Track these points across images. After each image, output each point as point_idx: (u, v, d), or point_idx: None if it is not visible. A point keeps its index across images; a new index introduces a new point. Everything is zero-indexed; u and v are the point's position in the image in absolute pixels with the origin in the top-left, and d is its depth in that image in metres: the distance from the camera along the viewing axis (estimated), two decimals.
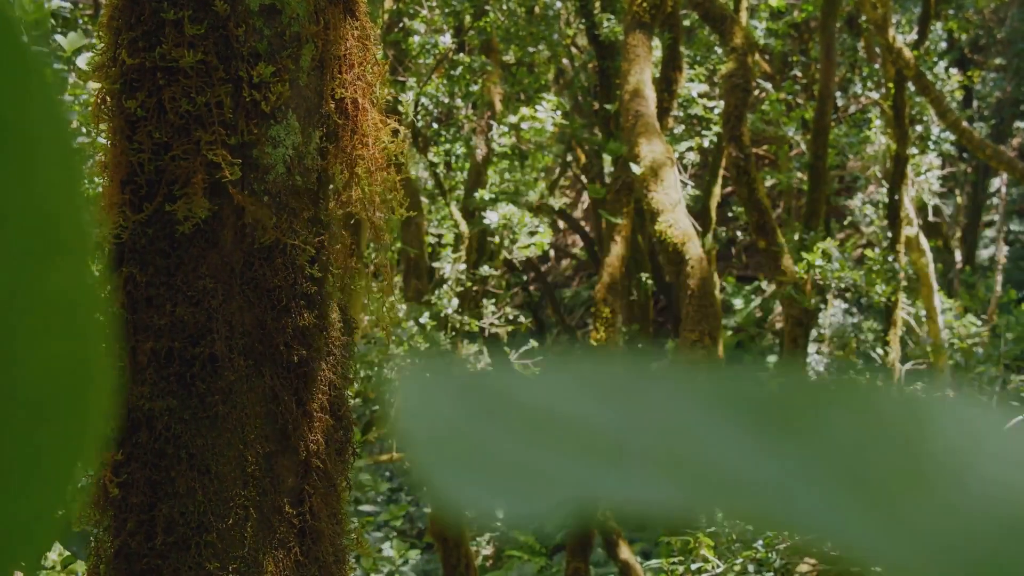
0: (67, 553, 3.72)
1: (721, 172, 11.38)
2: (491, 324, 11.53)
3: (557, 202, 14.40)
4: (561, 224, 19.84)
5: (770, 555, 5.49)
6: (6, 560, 0.30)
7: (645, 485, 0.28)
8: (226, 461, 2.27)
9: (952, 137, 12.99)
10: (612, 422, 0.30)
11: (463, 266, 11.01)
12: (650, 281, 11.56)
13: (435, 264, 11.49)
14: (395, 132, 2.45)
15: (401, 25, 11.77)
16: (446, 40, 10.90)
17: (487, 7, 11.35)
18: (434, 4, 11.43)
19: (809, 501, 0.29)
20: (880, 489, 0.29)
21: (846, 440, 0.30)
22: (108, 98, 2.24)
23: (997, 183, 17.66)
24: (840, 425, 0.30)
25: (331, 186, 2.40)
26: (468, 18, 11.45)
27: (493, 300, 11.71)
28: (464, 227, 11.59)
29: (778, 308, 14.34)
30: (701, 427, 0.30)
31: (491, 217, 10.47)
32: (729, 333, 15.72)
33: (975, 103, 17.37)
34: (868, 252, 9.02)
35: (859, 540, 0.28)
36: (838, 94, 13.64)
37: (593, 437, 0.30)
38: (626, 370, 0.32)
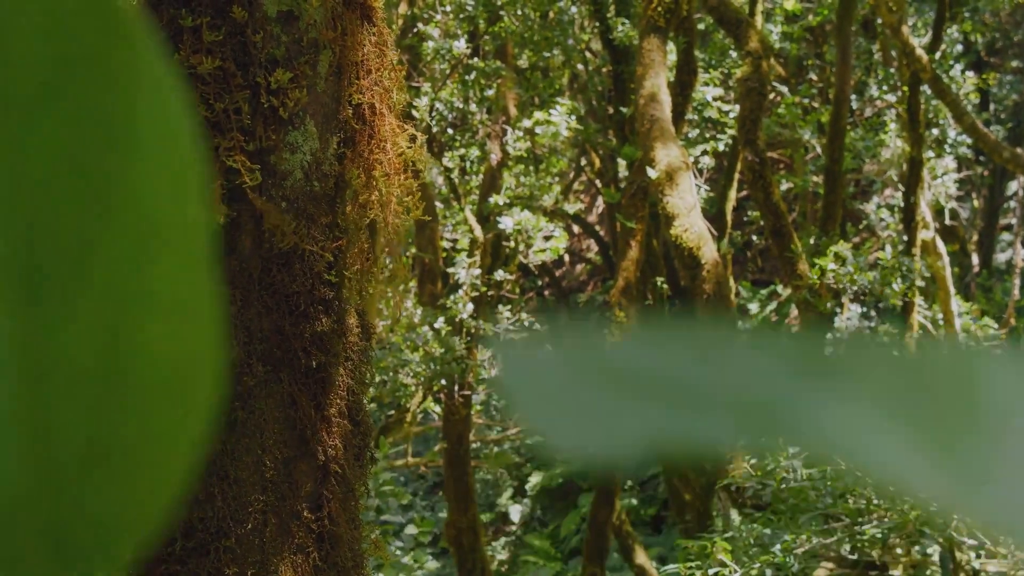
0: None
1: (736, 176, 11.37)
2: (506, 329, 11.53)
3: (572, 207, 14.40)
4: (576, 229, 19.84)
5: (788, 559, 5.47)
6: (117, 548, 0.30)
7: (714, 426, 0.30)
8: (244, 466, 2.28)
9: (968, 140, 12.96)
10: (691, 377, 0.32)
11: (478, 271, 11.01)
12: (665, 285, 11.54)
13: (450, 269, 11.50)
14: (412, 138, 2.46)
15: (416, 30, 11.78)
16: (460, 45, 10.91)
17: (501, 12, 11.36)
18: (448, 9, 11.45)
19: (876, 445, 0.30)
20: (940, 432, 0.31)
21: (905, 388, 0.32)
22: None
23: (1014, 186, 17.60)
24: (900, 376, 0.32)
25: (348, 191, 2.40)
26: (482, 23, 11.45)
27: (508, 305, 11.71)
28: (479, 232, 11.59)
29: (794, 312, 14.31)
30: (772, 380, 0.32)
31: (506, 222, 10.48)
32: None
33: (992, 106, 17.31)
34: (880, 254, 9.00)
35: (914, 477, 0.30)
36: (853, 97, 13.61)
37: (672, 389, 0.32)
38: (705, 335, 0.34)
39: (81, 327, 0.29)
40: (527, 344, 0.34)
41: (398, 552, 11.38)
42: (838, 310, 13.14)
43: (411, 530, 11.96)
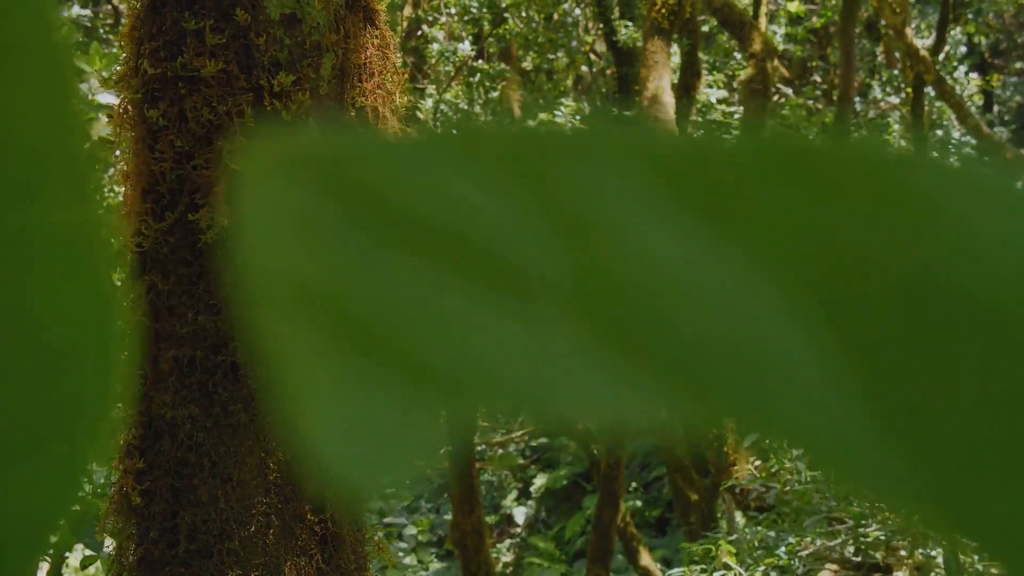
0: (88, 553, 3.72)
1: None
2: None
3: None
4: None
5: (792, 562, 5.47)
6: (24, 534, 0.27)
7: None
8: (248, 468, 2.28)
9: (972, 141, 12.95)
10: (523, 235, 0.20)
11: None
12: None
13: None
14: None
15: (420, 32, 11.79)
16: (465, 47, 10.91)
17: (506, 14, 11.36)
18: (453, 11, 11.45)
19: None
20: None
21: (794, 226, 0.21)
22: (130, 108, 2.25)
23: None
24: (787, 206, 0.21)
25: None
26: (487, 25, 11.46)
27: None
28: None
29: None
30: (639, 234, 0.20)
31: None
32: None
33: (995, 108, 17.30)
34: None
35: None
36: (857, 99, 13.61)
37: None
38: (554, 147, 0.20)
39: None
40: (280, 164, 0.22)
41: (400, 553, 11.40)
42: None
43: (411, 531, 11.98)
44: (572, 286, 0.21)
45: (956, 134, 13.33)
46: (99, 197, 0.26)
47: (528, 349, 0.20)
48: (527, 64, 12.69)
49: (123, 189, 2.29)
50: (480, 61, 11.51)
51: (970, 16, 13.71)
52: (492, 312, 0.21)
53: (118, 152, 2.30)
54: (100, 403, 0.27)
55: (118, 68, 2.28)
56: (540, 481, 16.80)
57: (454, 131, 0.21)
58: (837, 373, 0.21)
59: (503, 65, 11.56)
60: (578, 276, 0.21)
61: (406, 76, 2.52)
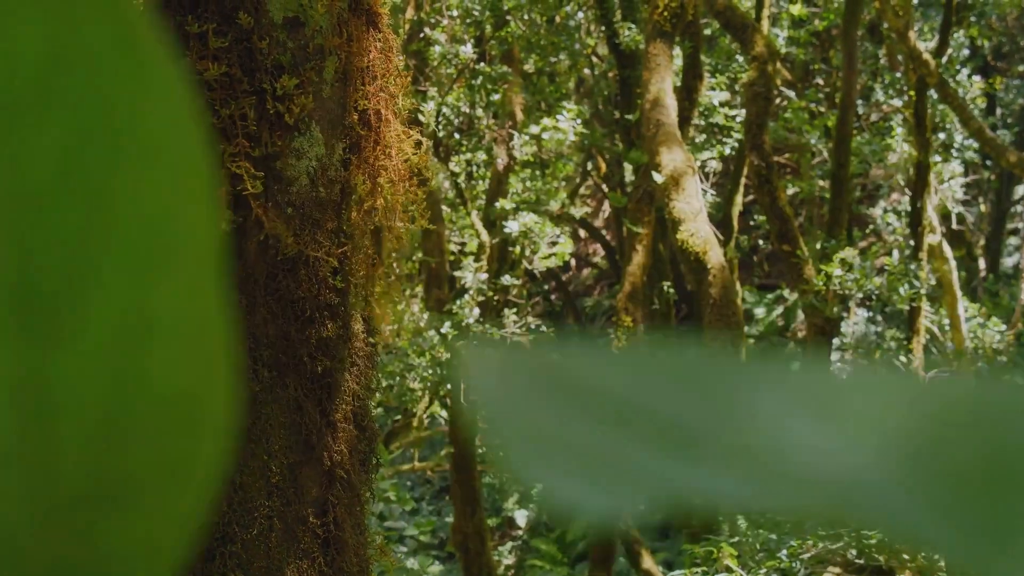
0: None
1: (743, 180, 11.37)
2: (513, 333, 11.53)
3: (578, 211, 14.40)
4: (582, 233, 19.84)
5: (794, 564, 5.47)
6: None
7: (722, 480, 0.27)
8: (250, 471, 2.28)
9: (975, 144, 12.95)
10: (688, 412, 0.29)
11: (484, 275, 11.01)
12: (672, 290, 11.54)
13: (456, 273, 11.50)
14: (418, 144, 2.46)
15: (422, 35, 11.79)
16: (467, 50, 10.91)
17: (508, 17, 11.37)
18: (455, 14, 11.46)
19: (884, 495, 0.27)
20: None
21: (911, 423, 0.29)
22: None
23: (1021, 190, 17.59)
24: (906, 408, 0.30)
25: (354, 197, 2.41)
26: (489, 28, 11.46)
27: (515, 309, 11.71)
28: (485, 236, 11.60)
29: (801, 317, 14.31)
30: (771, 418, 0.29)
31: (512, 226, 10.48)
32: (751, 342, 15.69)
33: (998, 110, 17.30)
34: (887, 260, 9.00)
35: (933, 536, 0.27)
36: (860, 102, 13.60)
37: (669, 428, 0.29)
38: (702, 359, 0.31)
39: (81, 357, 0.27)
40: (505, 360, 0.31)
41: (401, 556, 11.39)
42: (845, 315, 13.15)
43: (412, 531, 11.97)
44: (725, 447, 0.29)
45: (959, 137, 13.32)
46: (221, 285, 0.28)
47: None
48: (529, 67, 12.69)
49: None
50: (482, 64, 11.51)
51: (973, 19, 13.70)
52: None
53: None
54: (215, 457, 0.30)
55: None
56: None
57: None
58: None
59: (505, 68, 11.55)
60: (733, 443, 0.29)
61: (408, 79, 2.52)
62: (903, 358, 12.21)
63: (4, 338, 0.26)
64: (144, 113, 0.26)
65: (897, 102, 13.42)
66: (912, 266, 9.84)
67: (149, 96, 0.27)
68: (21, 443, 0.27)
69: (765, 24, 10.34)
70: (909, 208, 12.33)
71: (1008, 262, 17.68)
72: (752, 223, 15.17)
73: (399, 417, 12.05)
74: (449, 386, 10.45)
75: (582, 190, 18.09)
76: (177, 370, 0.28)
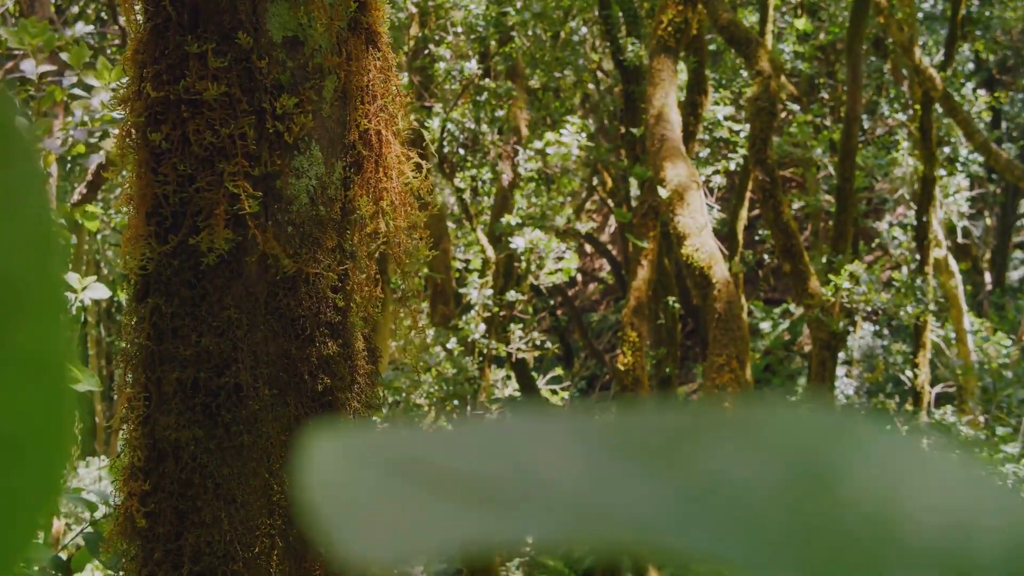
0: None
1: (748, 195, 11.37)
2: (518, 349, 11.53)
3: (584, 226, 14.40)
4: (588, 248, 19.83)
5: None
6: None
7: (535, 524, 0.29)
8: (252, 490, 2.28)
9: (980, 158, 12.94)
10: (512, 471, 0.31)
11: (490, 291, 11.02)
12: (677, 305, 11.54)
13: (462, 289, 11.51)
14: (418, 167, 2.47)
15: (427, 51, 11.82)
16: (472, 66, 10.94)
17: (513, 33, 11.39)
18: (460, 30, 11.48)
19: (695, 533, 0.29)
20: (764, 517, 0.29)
21: (737, 474, 0.30)
22: (133, 131, 2.26)
23: None
24: (733, 458, 0.30)
25: (355, 216, 2.41)
26: (494, 44, 11.49)
27: (520, 325, 11.71)
28: (491, 252, 11.60)
29: (806, 331, 14.29)
30: (595, 470, 0.30)
31: (518, 242, 10.49)
32: (757, 356, 15.67)
33: (1004, 124, 17.29)
34: (895, 274, 8.99)
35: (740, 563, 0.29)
36: (865, 116, 13.61)
37: (491, 485, 0.30)
38: (535, 424, 0.32)
39: None
40: (339, 441, 0.33)
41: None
42: (851, 329, 13.13)
43: None
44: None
45: (964, 151, 13.32)
46: (69, 325, 0.30)
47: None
48: (534, 82, 12.72)
49: (127, 212, 2.29)
50: (487, 80, 11.53)
51: (978, 33, 13.71)
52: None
53: (124, 173, 2.31)
54: (47, 495, 0.30)
55: (121, 91, 2.29)
56: None
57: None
58: None
59: (510, 84, 11.57)
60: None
61: (409, 98, 2.52)
62: (909, 372, 12.19)
63: None
64: None
65: (902, 116, 13.43)
66: (919, 281, 9.83)
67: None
68: None
69: (769, 39, 10.35)
70: (915, 222, 12.32)
71: (1014, 276, 17.65)
72: (757, 237, 15.16)
73: None
74: (455, 401, 10.45)
75: (588, 205, 18.10)
76: (18, 403, 0.30)
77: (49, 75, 4.77)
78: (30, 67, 4.59)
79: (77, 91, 4.67)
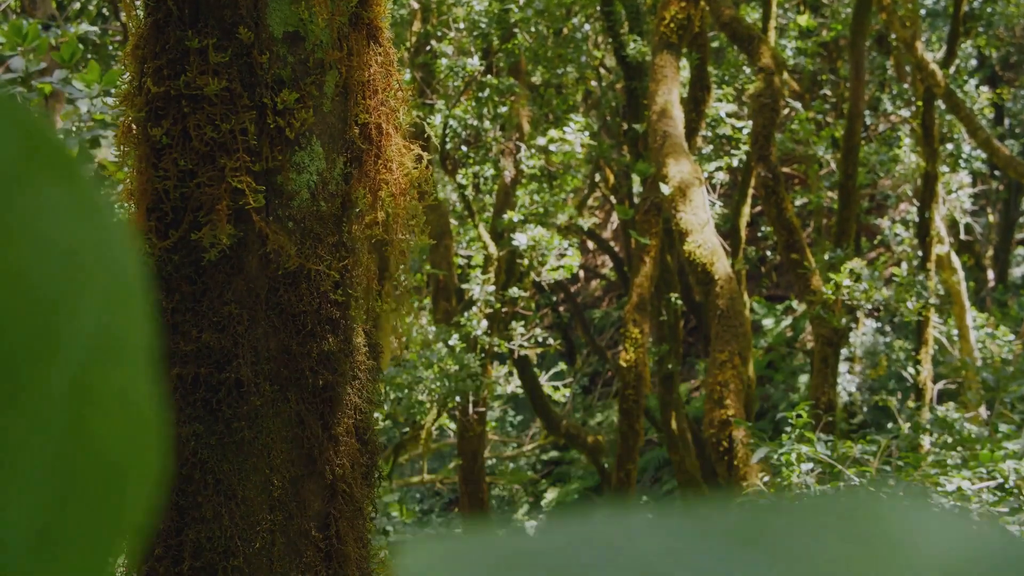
0: None
1: (750, 192, 11.36)
2: (520, 346, 11.52)
3: (586, 223, 14.40)
4: (590, 245, 19.83)
5: None
6: None
7: None
8: (252, 486, 2.28)
9: (983, 155, 12.93)
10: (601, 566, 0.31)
11: (492, 288, 11.01)
12: (680, 301, 11.53)
13: (464, 286, 11.51)
14: (419, 158, 2.46)
15: (429, 47, 11.81)
16: (474, 62, 10.93)
17: (515, 29, 11.38)
18: (462, 27, 11.47)
19: None
20: None
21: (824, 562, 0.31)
22: (134, 126, 2.26)
23: None
24: (819, 547, 0.31)
25: (355, 210, 2.41)
26: (496, 40, 11.48)
27: (522, 321, 11.70)
28: (493, 249, 11.60)
29: (809, 327, 14.28)
30: (679, 560, 0.31)
31: (520, 239, 10.48)
32: (759, 353, 15.67)
33: (1006, 120, 17.27)
34: (895, 270, 8.97)
35: None
36: (868, 112, 13.59)
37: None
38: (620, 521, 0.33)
39: (38, 425, 0.32)
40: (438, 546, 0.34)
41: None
42: (853, 326, 13.12)
43: None
44: None
45: (967, 148, 13.30)
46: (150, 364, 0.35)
47: None
48: (536, 79, 12.71)
49: (127, 207, 2.29)
50: (489, 76, 11.52)
51: (980, 29, 13.69)
52: None
53: (126, 168, 2.31)
54: (138, 510, 0.34)
55: (122, 87, 2.29)
56: (551, 495, 16.79)
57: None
58: None
59: (512, 80, 11.57)
60: None
61: (410, 93, 2.52)
62: (911, 369, 12.19)
63: None
64: (77, 234, 0.33)
65: (905, 113, 13.42)
66: (920, 277, 9.82)
67: (81, 219, 0.33)
68: None
69: (772, 36, 10.34)
70: (917, 219, 12.31)
71: (1016, 272, 17.64)
72: (760, 234, 15.15)
73: (407, 430, 12.04)
74: (458, 398, 10.45)
75: (590, 202, 18.09)
76: (113, 439, 0.34)
77: (39, 73, 4.74)
78: (19, 65, 4.56)
79: (68, 93, 4.65)
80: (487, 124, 11.66)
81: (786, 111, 12.88)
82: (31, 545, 0.32)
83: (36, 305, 0.32)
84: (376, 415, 2.55)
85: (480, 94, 11.27)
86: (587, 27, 12.66)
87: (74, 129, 4.63)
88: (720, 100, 11.38)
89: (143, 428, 0.34)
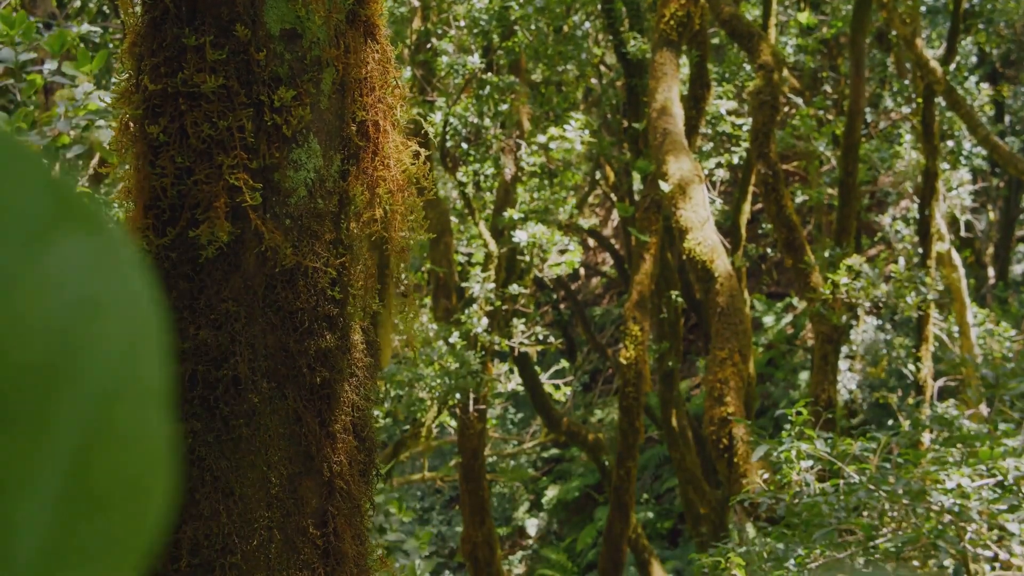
0: None
1: (750, 189, 11.36)
2: (521, 343, 11.53)
3: (586, 220, 14.39)
4: (591, 242, 19.82)
5: (802, 573, 5.45)
6: None
7: None
8: (250, 483, 2.28)
9: (983, 152, 12.93)
10: None
11: (492, 285, 11.01)
12: (680, 299, 11.53)
13: (464, 283, 11.51)
14: (416, 154, 2.46)
15: (429, 45, 11.81)
16: (475, 60, 10.93)
17: (515, 27, 11.38)
18: (462, 24, 11.47)
19: None
20: None
21: None
22: (131, 124, 2.26)
23: None
24: None
25: (352, 208, 2.41)
26: (496, 38, 11.48)
27: (523, 319, 11.71)
28: (493, 246, 11.60)
29: (809, 325, 14.28)
30: None
31: (520, 236, 10.48)
32: (760, 350, 15.66)
33: (1007, 118, 17.27)
34: (894, 267, 8.98)
35: None
36: (868, 109, 13.59)
37: None
38: None
39: (50, 451, 0.35)
40: None
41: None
42: (853, 323, 13.12)
43: (412, 544, 11.99)
44: None
45: (967, 145, 13.30)
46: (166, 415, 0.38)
47: None
48: (537, 76, 12.71)
49: (125, 205, 2.29)
50: (489, 74, 11.52)
51: (981, 26, 13.68)
52: None
53: (126, 166, 2.31)
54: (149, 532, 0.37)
55: (119, 85, 2.29)
56: (552, 493, 16.79)
57: None
58: None
59: (512, 78, 11.56)
60: None
61: (407, 90, 2.52)
62: (912, 366, 12.18)
63: None
64: (95, 277, 0.36)
65: (905, 109, 13.41)
66: (920, 273, 9.81)
67: (101, 264, 0.36)
68: None
69: (772, 33, 10.34)
70: (917, 216, 12.31)
71: (1017, 269, 17.64)
72: (761, 231, 15.15)
73: (408, 427, 12.04)
74: (458, 396, 10.45)
75: (590, 199, 18.08)
76: (125, 465, 0.36)
77: (31, 63, 4.73)
78: (8, 55, 4.55)
79: (59, 79, 4.64)
80: (487, 122, 11.66)
81: (786, 108, 12.89)
82: (41, 564, 0.34)
83: (58, 348, 0.35)
84: (375, 412, 2.55)
85: (480, 92, 11.27)
86: (587, 25, 12.66)
87: (68, 110, 4.62)
88: (720, 97, 11.38)
89: (153, 461, 0.37)
